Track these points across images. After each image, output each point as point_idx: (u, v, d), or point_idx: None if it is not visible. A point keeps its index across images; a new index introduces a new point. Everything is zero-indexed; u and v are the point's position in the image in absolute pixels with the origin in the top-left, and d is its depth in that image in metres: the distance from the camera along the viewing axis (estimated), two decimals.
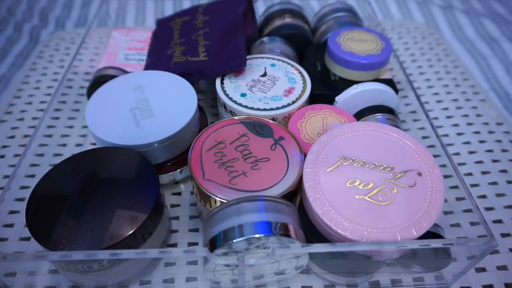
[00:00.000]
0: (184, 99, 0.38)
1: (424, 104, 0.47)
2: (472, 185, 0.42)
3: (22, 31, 0.68)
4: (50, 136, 0.45)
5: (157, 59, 0.47)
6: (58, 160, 0.34)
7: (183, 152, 0.38)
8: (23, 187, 0.39)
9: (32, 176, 0.41)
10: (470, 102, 0.52)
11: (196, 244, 0.36)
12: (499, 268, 0.35)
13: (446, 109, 0.51)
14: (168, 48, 0.47)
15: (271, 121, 0.37)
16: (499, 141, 0.46)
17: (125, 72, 0.45)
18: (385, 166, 0.31)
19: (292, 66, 0.44)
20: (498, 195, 0.41)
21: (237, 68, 0.41)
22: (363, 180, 0.30)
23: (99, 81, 0.43)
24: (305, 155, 0.32)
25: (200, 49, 0.44)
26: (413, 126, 0.48)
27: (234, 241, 0.26)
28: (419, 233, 0.27)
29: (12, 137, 0.46)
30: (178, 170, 0.39)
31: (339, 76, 0.44)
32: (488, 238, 0.28)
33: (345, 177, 0.30)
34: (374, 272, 0.33)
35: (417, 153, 0.31)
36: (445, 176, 0.33)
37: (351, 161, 0.31)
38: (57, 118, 0.47)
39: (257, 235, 0.26)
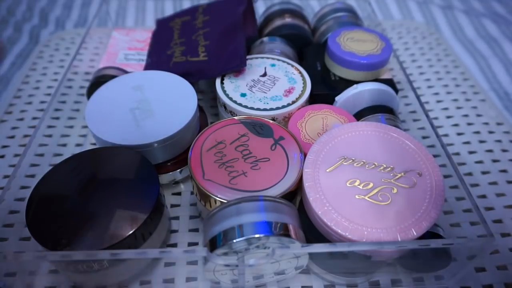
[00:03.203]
0: (184, 99, 0.38)
1: (424, 104, 0.47)
2: (472, 185, 0.42)
3: (22, 31, 0.68)
4: (50, 136, 0.45)
5: (157, 59, 0.47)
6: (58, 160, 0.34)
7: (183, 152, 0.38)
8: (23, 187, 0.39)
9: (32, 176, 0.41)
10: (470, 102, 0.52)
11: (196, 244, 0.36)
12: (499, 268, 0.35)
13: (446, 109, 0.51)
14: (168, 48, 0.47)
15: (271, 121, 0.37)
16: (499, 141, 0.46)
17: (125, 72, 0.45)
18: (385, 166, 0.31)
19: (292, 66, 0.44)
20: (498, 195, 0.41)
21: (237, 68, 0.41)
22: (363, 180, 0.30)
23: (99, 81, 0.43)
24: (305, 155, 0.32)
25: (200, 49, 0.44)
26: (413, 126, 0.48)
27: (234, 241, 0.26)
28: (419, 233, 0.27)
29: (12, 137, 0.46)
30: (178, 170, 0.39)
31: (339, 76, 0.44)
32: (488, 238, 0.28)
33: (345, 177, 0.30)
34: (374, 272, 0.33)
35: (417, 153, 0.31)
36: (445, 176, 0.33)
37: (351, 161, 0.31)
38: (57, 118, 0.47)
39: (257, 235, 0.26)
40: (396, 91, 0.42)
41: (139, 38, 0.52)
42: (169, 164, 0.38)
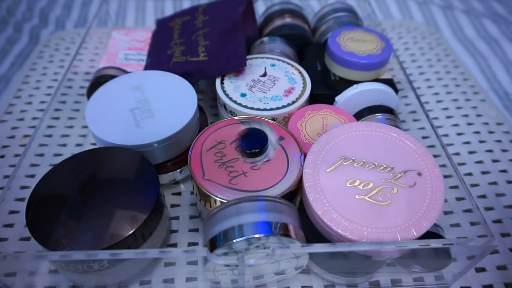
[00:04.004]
0: (184, 99, 0.38)
1: (424, 104, 0.47)
2: (472, 185, 0.42)
3: (22, 31, 0.68)
4: (50, 136, 0.45)
5: (157, 59, 0.47)
6: (58, 160, 0.34)
7: (183, 152, 0.38)
8: (23, 187, 0.39)
9: (32, 176, 0.41)
10: (470, 102, 0.52)
11: (196, 244, 0.36)
12: (499, 268, 0.35)
13: (446, 109, 0.51)
14: (168, 48, 0.47)
15: (271, 121, 0.37)
16: (499, 141, 0.46)
17: (125, 72, 0.45)
18: (385, 166, 0.31)
19: (292, 66, 0.44)
20: (498, 195, 0.41)
21: (237, 68, 0.41)
22: (363, 180, 0.30)
23: (99, 81, 0.43)
24: (305, 155, 0.32)
25: (200, 49, 0.44)
26: (413, 126, 0.48)
27: (234, 241, 0.26)
28: (419, 233, 0.27)
29: (12, 137, 0.46)
30: (178, 170, 0.39)
31: (339, 76, 0.44)
32: (488, 238, 0.28)
33: (345, 177, 0.30)
34: (374, 272, 0.33)
35: (417, 153, 0.31)
36: (445, 176, 0.33)
37: (351, 161, 0.31)
38: (57, 118, 0.47)
39: (257, 235, 0.26)
40: (396, 91, 0.42)
41: (139, 38, 0.52)
42: (169, 164, 0.38)
